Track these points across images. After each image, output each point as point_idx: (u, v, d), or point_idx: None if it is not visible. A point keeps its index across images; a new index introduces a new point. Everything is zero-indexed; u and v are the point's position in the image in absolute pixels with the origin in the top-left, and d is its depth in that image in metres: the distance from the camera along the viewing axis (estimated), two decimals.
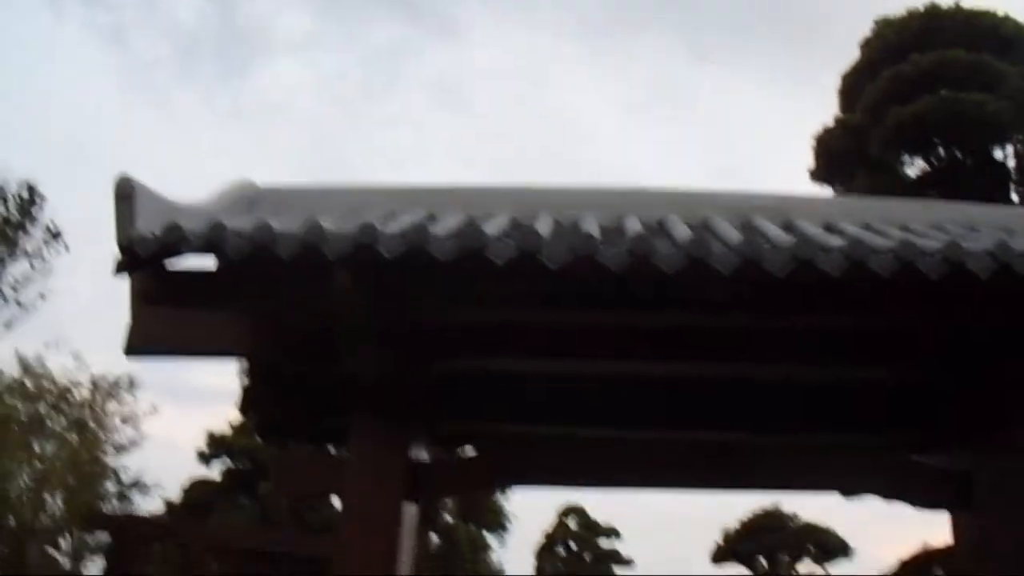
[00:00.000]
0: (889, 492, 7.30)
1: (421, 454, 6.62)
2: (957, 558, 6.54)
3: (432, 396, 6.52)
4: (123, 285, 6.22)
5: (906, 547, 27.28)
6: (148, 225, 5.50)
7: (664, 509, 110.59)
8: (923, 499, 6.96)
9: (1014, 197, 22.26)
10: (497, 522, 43.80)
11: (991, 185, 21.66)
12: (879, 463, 6.64)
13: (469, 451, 7.18)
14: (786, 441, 6.76)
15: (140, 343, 6.52)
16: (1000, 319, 5.82)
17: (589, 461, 6.68)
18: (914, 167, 23.97)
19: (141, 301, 6.32)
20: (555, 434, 6.88)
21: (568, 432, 6.84)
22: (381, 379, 6.28)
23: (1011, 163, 23.23)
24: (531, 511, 58.87)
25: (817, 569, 52.38)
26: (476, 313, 6.24)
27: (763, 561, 52.35)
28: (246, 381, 6.36)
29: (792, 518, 52.62)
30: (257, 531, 12.92)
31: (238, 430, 30.59)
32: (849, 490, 7.60)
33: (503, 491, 36.94)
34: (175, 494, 32.34)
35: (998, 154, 23.36)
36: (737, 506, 51.53)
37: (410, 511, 6.47)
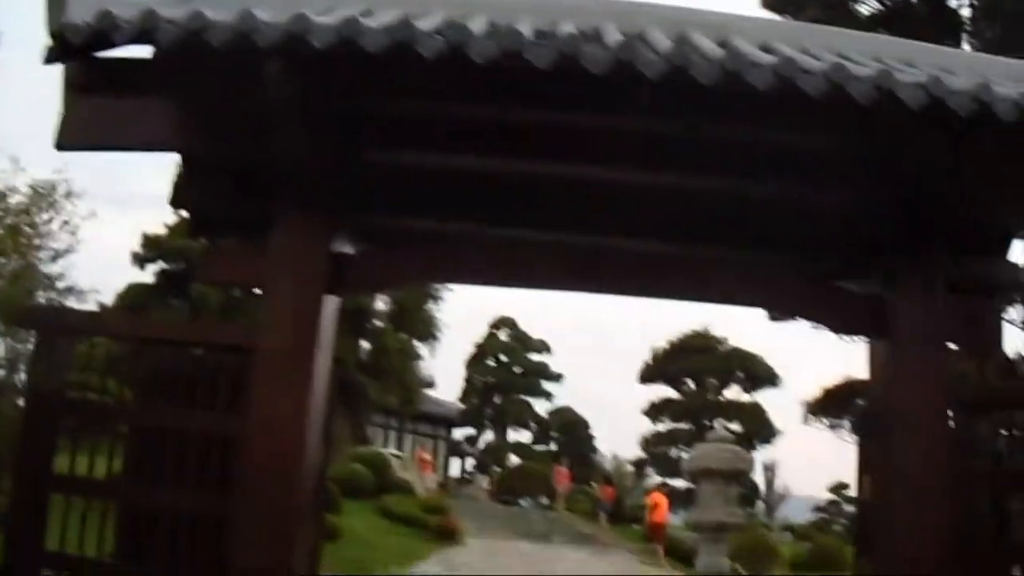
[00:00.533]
0: (808, 313, 7.56)
1: (345, 248, 6.70)
2: (872, 385, 6.76)
3: (358, 189, 6.56)
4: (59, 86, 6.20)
5: (832, 378, 28.17)
6: (80, 14, 5.47)
7: (595, 328, 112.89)
8: (840, 323, 7.22)
9: (965, 47, 22.21)
10: (428, 331, 44.28)
11: (942, 31, 21.57)
12: (799, 284, 6.82)
13: (395, 248, 7.20)
14: (709, 253, 6.89)
15: (72, 136, 6.46)
16: (925, 152, 5.92)
17: (512, 261, 6.81)
18: (867, 5, 23.82)
19: (73, 92, 6.29)
20: (479, 233, 6.95)
21: (493, 232, 6.91)
22: (307, 170, 6.31)
23: (965, 12, 23.13)
24: (463, 322, 59.91)
25: (744, 396, 53.92)
26: (406, 107, 6.26)
27: (691, 384, 53.71)
28: (178, 175, 6.34)
29: (721, 342, 53.82)
30: (186, 324, 13.02)
31: (173, 231, 30.43)
32: (769, 306, 7.80)
33: (426, 287, 37.05)
34: (111, 300, 32.41)
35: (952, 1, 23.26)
36: (667, 328, 52.54)
37: (331, 303, 6.57)
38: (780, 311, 8.29)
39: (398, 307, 42.53)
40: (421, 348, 45.16)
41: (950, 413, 6.35)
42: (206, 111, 6.28)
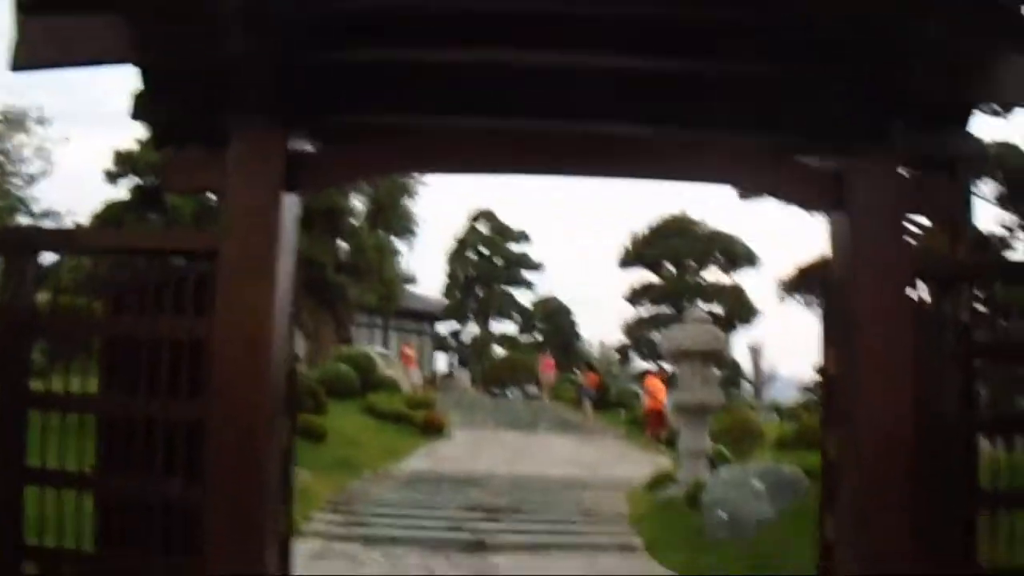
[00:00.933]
0: (771, 189, 7.58)
1: (304, 146, 6.68)
2: (833, 260, 6.77)
3: (312, 88, 6.49)
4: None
5: (807, 257, 28.29)
6: None
7: (574, 217, 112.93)
8: (802, 198, 7.23)
9: None
10: (406, 228, 44.35)
11: None
12: (761, 160, 6.79)
13: (354, 143, 7.15)
14: (674, 133, 6.83)
15: (26, 57, 6.39)
16: (882, 22, 5.89)
17: (476, 149, 6.79)
18: None
19: (24, 13, 6.19)
20: (441, 123, 6.90)
21: (454, 121, 6.86)
22: (259, 72, 6.25)
23: None
24: (442, 217, 60.04)
25: (724, 278, 54.22)
26: (356, 2, 6.19)
27: (670, 267, 54.04)
28: (137, 88, 6.25)
29: (699, 224, 54.13)
30: (155, 233, 12.97)
31: (145, 145, 30.21)
32: (733, 182, 7.79)
33: (402, 183, 36.87)
34: (88, 220, 32.30)
35: None
36: (646, 214, 52.64)
37: (291, 202, 6.57)
38: (745, 187, 8.31)
39: (375, 205, 42.54)
40: (400, 245, 45.33)
41: (913, 287, 6.40)
42: (156, 22, 6.19)
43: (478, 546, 16.03)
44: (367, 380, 32.27)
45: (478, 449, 27.25)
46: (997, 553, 6.51)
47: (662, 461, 24.77)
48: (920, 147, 6.63)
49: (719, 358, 21.91)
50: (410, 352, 43.33)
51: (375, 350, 41.66)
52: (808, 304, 29.47)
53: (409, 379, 38.43)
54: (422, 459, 25.25)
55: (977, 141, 7.22)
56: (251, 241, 6.26)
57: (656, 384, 29.73)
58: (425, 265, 78.95)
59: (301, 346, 43.89)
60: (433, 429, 29.29)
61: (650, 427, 29.16)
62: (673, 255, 53.20)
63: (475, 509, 18.64)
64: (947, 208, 7.08)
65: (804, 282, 28.64)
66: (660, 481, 20.32)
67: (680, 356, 20.01)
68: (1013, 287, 6.93)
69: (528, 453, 27.04)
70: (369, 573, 13.71)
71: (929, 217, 6.86)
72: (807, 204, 7.78)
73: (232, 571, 5.98)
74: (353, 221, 41.37)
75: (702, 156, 6.73)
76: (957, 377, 6.56)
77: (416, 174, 32.74)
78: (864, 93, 6.28)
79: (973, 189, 17.90)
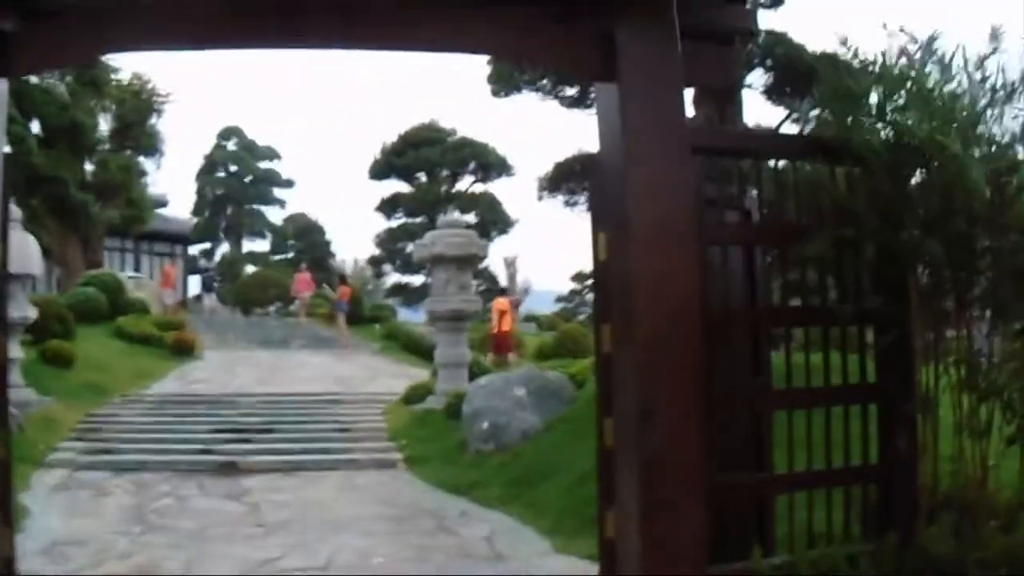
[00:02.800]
0: (535, 57, 7.06)
1: (6, 25, 5.61)
2: (601, 132, 6.15)
3: None
4: None
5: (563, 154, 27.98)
6: None
7: (323, 129, 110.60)
8: (569, 66, 6.71)
9: None
10: (152, 146, 41.93)
11: None
12: (525, 26, 6.05)
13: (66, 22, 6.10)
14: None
15: None
16: None
17: (196, 21, 5.82)
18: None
19: None
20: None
21: None
22: None
23: None
24: (190, 136, 57.41)
25: (477, 187, 53.88)
26: None
27: (423, 178, 53.13)
28: None
29: (451, 133, 53.36)
30: None
31: None
32: (494, 51, 7.17)
33: (101, 58, 34.89)
34: None
35: None
36: (397, 125, 51.50)
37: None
38: (512, 57, 7.67)
39: (120, 123, 40.18)
40: (148, 165, 42.86)
41: (688, 162, 5.85)
42: None
43: (230, 468, 15.36)
44: (116, 303, 30.93)
45: (230, 369, 26.09)
46: (794, 455, 6.16)
47: (420, 374, 24.23)
48: (695, 16, 6.07)
49: (474, 264, 21.22)
50: (171, 271, 41.20)
51: (126, 274, 40.21)
52: (569, 203, 29.09)
53: (162, 301, 36.88)
54: (173, 382, 23.98)
55: (751, 15, 6.83)
56: None
57: (503, 305, 28.45)
58: (176, 187, 75.66)
59: (49, 271, 41.62)
60: (184, 350, 27.93)
61: (495, 349, 27.54)
62: (425, 164, 52.07)
63: (226, 431, 17.83)
64: (723, 80, 6.62)
65: (563, 179, 28.24)
66: (418, 393, 19.70)
67: (434, 262, 19.24)
68: (790, 163, 6.53)
69: (281, 371, 26.08)
70: (115, 502, 12.77)
71: (703, 89, 6.42)
72: (574, 71, 7.21)
73: None
74: (98, 139, 39.02)
75: (464, 24, 5.95)
76: (740, 260, 6.15)
77: (123, 54, 31.01)
78: None
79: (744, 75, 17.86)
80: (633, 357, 5.55)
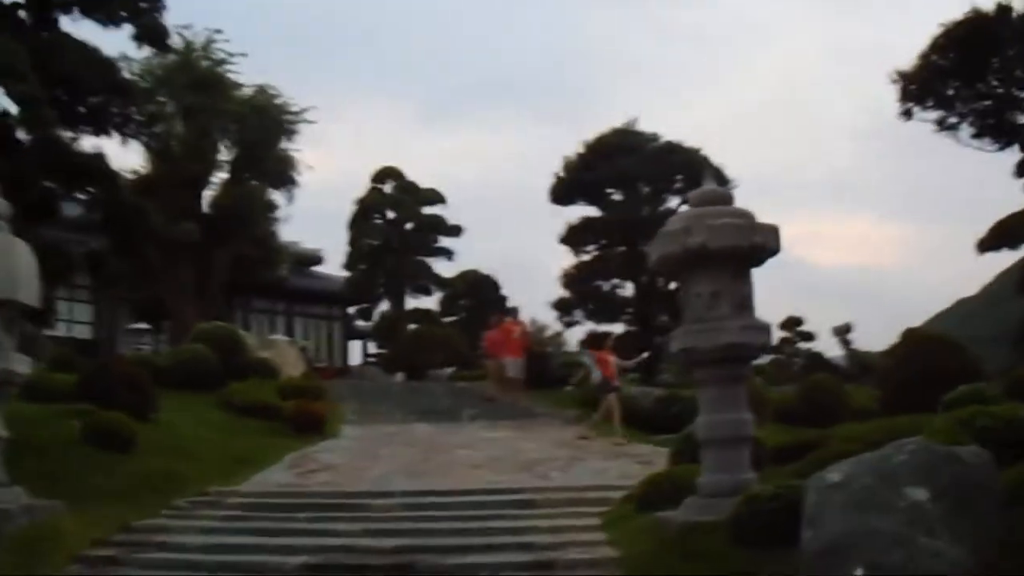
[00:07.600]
0: None
1: None
2: None
3: None
4: None
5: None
6: None
7: (488, 173, 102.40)
8: None
9: None
10: (281, 172, 34.77)
11: None
12: None
13: None
14: None
15: None
16: None
17: None
18: None
19: None
20: None
21: None
22: None
23: None
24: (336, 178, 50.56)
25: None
26: None
27: (617, 196, 42.84)
28: None
29: (651, 137, 43.02)
30: None
31: None
32: None
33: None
34: None
35: None
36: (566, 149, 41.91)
37: None
38: None
39: (241, 145, 33.64)
40: (277, 198, 35.95)
41: None
42: None
43: None
44: (231, 365, 24.42)
45: (371, 451, 18.33)
46: None
47: (643, 453, 16.18)
48: None
49: (756, 263, 11.88)
50: (512, 328, 28.03)
51: (281, 338, 35.10)
52: None
53: (499, 373, 27.40)
54: (282, 472, 16.40)
55: None
56: None
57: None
58: (320, 239, 69.45)
59: (157, 327, 35.00)
60: (309, 426, 20.33)
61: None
62: (621, 179, 40.36)
63: (331, 570, 10.08)
64: None
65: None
66: (662, 490, 11.33)
67: (689, 264, 10.48)
68: None
69: (442, 452, 18.26)
70: None
71: None
72: None
73: None
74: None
75: None
76: None
77: None
78: None
79: None
80: None
